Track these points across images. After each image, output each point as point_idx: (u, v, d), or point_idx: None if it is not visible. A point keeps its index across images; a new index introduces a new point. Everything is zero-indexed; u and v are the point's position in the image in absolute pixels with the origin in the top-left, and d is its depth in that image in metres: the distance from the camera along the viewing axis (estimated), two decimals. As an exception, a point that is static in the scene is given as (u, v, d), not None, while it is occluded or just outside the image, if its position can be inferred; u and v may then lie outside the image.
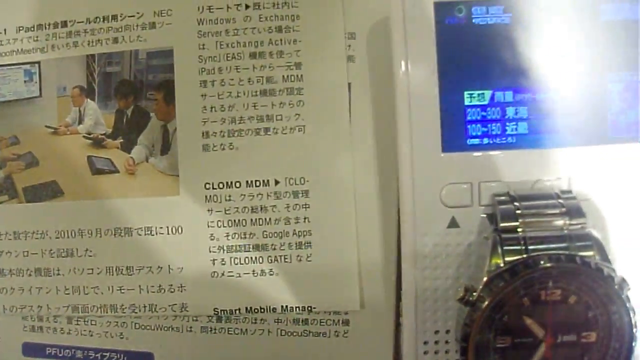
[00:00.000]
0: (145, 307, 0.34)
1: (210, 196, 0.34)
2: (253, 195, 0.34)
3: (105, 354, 0.35)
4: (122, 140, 0.35)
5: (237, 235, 0.34)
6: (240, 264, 0.34)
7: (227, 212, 0.34)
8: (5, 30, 0.36)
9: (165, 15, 0.35)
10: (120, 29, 0.35)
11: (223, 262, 0.34)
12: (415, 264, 0.29)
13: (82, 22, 0.35)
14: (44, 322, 0.36)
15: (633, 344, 0.26)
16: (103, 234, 0.34)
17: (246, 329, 0.34)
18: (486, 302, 0.25)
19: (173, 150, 0.34)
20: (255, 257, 0.34)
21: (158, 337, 0.35)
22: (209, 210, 0.34)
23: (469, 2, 0.28)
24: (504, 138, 0.29)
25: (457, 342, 0.27)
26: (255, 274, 0.34)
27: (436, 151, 0.28)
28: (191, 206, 0.34)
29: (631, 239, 0.28)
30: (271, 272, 0.34)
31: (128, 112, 0.35)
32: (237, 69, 0.34)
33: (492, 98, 0.29)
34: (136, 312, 0.34)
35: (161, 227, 0.34)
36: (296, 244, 0.34)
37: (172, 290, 0.34)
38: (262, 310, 0.34)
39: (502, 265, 0.26)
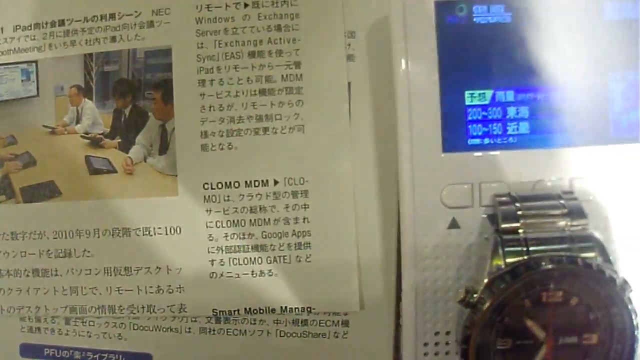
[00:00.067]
0: (143, 307, 0.34)
1: (209, 196, 0.34)
2: (252, 196, 0.34)
3: (103, 354, 0.35)
4: (120, 140, 0.35)
5: (236, 236, 0.34)
6: (239, 264, 0.34)
7: (226, 212, 0.34)
8: (2, 29, 0.36)
9: (163, 14, 0.34)
10: (118, 28, 0.35)
11: (222, 263, 0.34)
12: (415, 265, 0.29)
13: (80, 20, 0.35)
14: (42, 323, 0.35)
15: (635, 346, 0.25)
16: (101, 235, 0.34)
17: (245, 330, 0.34)
18: (487, 304, 0.25)
19: (171, 150, 0.34)
20: (254, 258, 0.34)
21: (156, 338, 0.35)
22: (207, 211, 0.34)
23: (470, 1, 0.28)
24: (505, 138, 0.28)
25: (458, 344, 0.27)
26: (254, 275, 0.34)
27: (436, 151, 0.28)
28: (190, 206, 0.34)
29: (633, 240, 0.28)
30: (270, 273, 0.34)
31: (126, 112, 0.35)
32: (236, 68, 0.34)
33: (493, 98, 0.28)
34: (134, 313, 0.34)
35: (159, 228, 0.34)
36: (295, 244, 0.33)
37: (171, 290, 0.34)
38: (261, 311, 0.34)
39: (503, 266, 0.25)
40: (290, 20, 0.34)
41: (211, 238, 0.34)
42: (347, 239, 0.33)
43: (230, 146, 0.34)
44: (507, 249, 0.26)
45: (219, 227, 0.34)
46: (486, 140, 0.28)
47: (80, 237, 0.34)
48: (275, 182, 0.34)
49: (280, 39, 0.34)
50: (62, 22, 0.35)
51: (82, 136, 0.35)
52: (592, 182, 0.28)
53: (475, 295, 0.25)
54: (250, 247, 0.34)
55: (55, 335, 0.35)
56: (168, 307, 0.34)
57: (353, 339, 0.34)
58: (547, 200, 0.27)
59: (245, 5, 0.34)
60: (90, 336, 0.35)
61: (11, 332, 0.36)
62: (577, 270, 0.25)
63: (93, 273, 0.34)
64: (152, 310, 0.34)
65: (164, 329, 0.35)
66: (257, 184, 0.34)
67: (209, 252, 0.34)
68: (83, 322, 0.35)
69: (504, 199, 0.27)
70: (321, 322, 0.34)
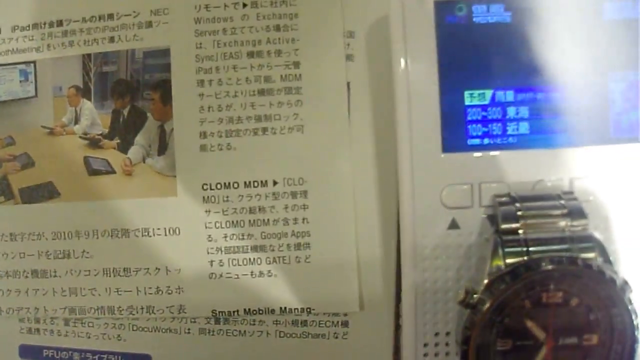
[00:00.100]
0: (142, 308, 0.34)
1: (208, 197, 0.34)
2: (251, 196, 0.34)
3: (102, 355, 0.35)
4: (118, 141, 0.35)
5: (235, 236, 0.34)
6: (239, 265, 0.34)
7: (225, 213, 0.34)
8: (0, 29, 0.35)
9: (162, 14, 0.34)
10: (116, 28, 0.34)
11: (221, 264, 0.34)
12: (415, 266, 0.29)
13: (78, 21, 0.35)
14: (41, 324, 0.35)
15: (635, 347, 0.25)
16: (100, 235, 0.34)
17: (244, 331, 0.34)
18: (487, 305, 0.25)
19: (170, 151, 0.34)
20: (254, 258, 0.34)
21: (156, 339, 0.35)
22: (206, 211, 0.34)
23: (470, 0, 0.28)
24: (504, 138, 0.28)
25: (458, 345, 0.27)
26: (254, 275, 0.34)
27: (436, 151, 0.28)
28: (189, 207, 0.34)
29: (633, 240, 0.28)
30: (270, 274, 0.34)
31: (125, 112, 0.35)
32: (234, 68, 0.34)
33: (492, 98, 0.28)
34: (134, 314, 0.34)
35: (158, 228, 0.34)
36: (295, 245, 0.33)
37: (170, 291, 0.34)
38: (261, 311, 0.34)
39: (503, 267, 0.25)
40: (289, 20, 0.34)
41: (210, 239, 0.34)
42: (347, 239, 0.33)
43: (229, 147, 0.34)
44: (507, 249, 0.26)
45: (218, 228, 0.34)
46: (486, 141, 0.28)
47: (79, 238, 0.34)
48: (275, 183, 0.34)
49: (279, 39, 0.34)
50: (60, 23, 0.35)
51: (80, 137, 0.35)
52: (592, 182, 0.28)
53: (475, 296, 0.25)
54: (249, 247, 0.34)
55: (55, 336, 0.35)
56: (167, 307, 0.34)
57: (353, 339, 0.34)
58: (547, 201, 0.27)
59: (244, 5, 0.34)
60: (89, 337, 0.35)
61: (10, 333, 0.36)
62: (578, 271, 0.25)
63: (92, 274, 0.34)
64: (151, 311, 0.34)
65: (164, 330, 0.35)
66: (256, 184, 0.34)
67: (208, 252, 0.34)
68: (82, 323, 0.35)
69: (503, 199, 0.27)
70: (321, 322, 0.34)
